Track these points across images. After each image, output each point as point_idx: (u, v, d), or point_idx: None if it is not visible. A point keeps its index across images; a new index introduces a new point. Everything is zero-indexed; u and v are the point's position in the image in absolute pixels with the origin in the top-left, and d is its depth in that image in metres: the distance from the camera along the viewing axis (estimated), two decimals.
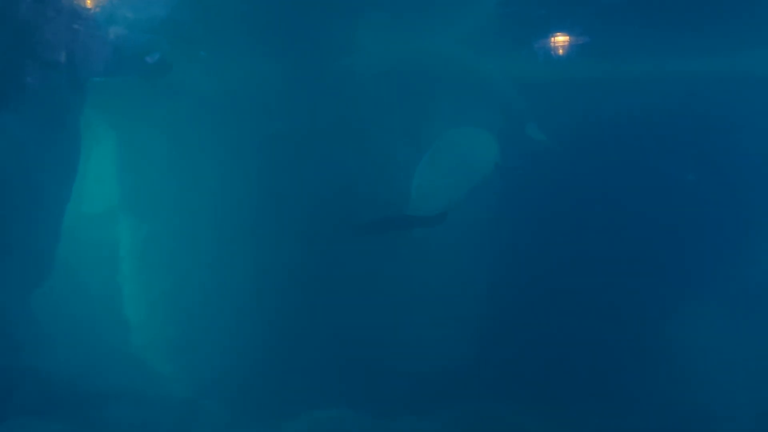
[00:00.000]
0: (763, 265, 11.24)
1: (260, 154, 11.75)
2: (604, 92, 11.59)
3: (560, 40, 11.81)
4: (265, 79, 11.75)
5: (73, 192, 10.60)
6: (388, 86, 11.64)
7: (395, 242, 11.32)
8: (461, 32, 11.56)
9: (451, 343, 11.10)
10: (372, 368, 11.15)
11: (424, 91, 11.70)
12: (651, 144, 11.54)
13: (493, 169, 11.29)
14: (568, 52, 11.92)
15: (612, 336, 11.16)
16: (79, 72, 9.87)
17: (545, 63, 12.10)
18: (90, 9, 9.79)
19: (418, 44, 11.75)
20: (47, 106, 9.83)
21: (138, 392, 10.96)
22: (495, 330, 11.29)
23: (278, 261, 11.81)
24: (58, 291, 10.99)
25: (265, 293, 11.79)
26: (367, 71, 11.67)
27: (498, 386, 11.01)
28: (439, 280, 11.36)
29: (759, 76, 11.64)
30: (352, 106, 11.64)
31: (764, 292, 11.21)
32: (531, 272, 11.45)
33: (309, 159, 11.76)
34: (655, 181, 11.55)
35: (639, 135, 11.52)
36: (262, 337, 11.56)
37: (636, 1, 10.62)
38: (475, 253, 11.50)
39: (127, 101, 12.05)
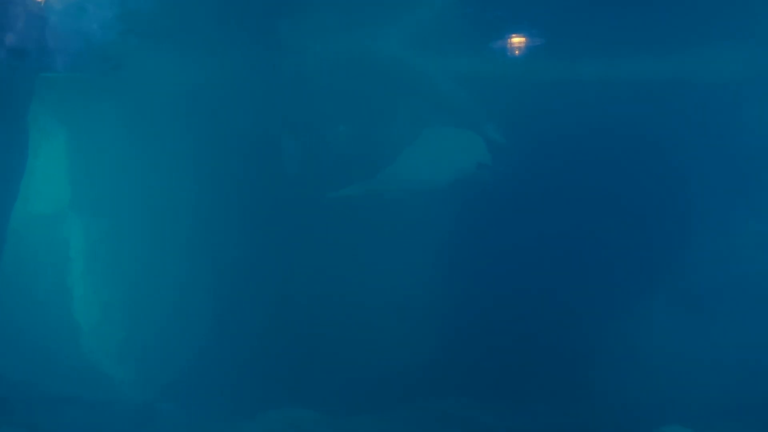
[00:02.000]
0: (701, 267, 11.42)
1: (216, 153, 11.68)
2: (557, 94, 11.66)
3: (510, 41, 11.86)
4: (214, 77, 11.66)
5: (20, 191, 10.38)
6: (332, 87, 11.67)
7: (354, 238, 11.34)
8: (408, 33, 11.59)
9: (411, 340, 11.06)
10: (330, 367, 11.08)
11: (369, 91, 11.73)
12: (607, 146, 11.62)
13: (476, 168, 11.37)
14: (519, 54, 11.97)
15: (576, 334, 11.22)
16: (25, 66, 9.69)
17: (494, 64, 12.15)
18: (38, 2, 9.63)
19: (364, 45, 11.75)
20: None
21: (90, 397, 10.78)
22: (458, 327, 11.27)
23: (234, 261, 11.73)
24: (4, 294, 10.75)
25: (219, 294, 11.69)
26: (309, 71, 11.68)
27: (460, 384, 10.98)
28: (401, 278, 11.35)
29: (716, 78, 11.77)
30: (300, 105, 11.66)
31: (698, 293, 11.39)
32: (493, 270, 11.47)
33: (264, 157, 11.74)
34: (610, 182, 11.65)
35: (595, 137, 11.59)
36: (217, 338, 11.44)
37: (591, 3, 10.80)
38: (436, 251, 11.49)
39: (78, 97, 11.87)
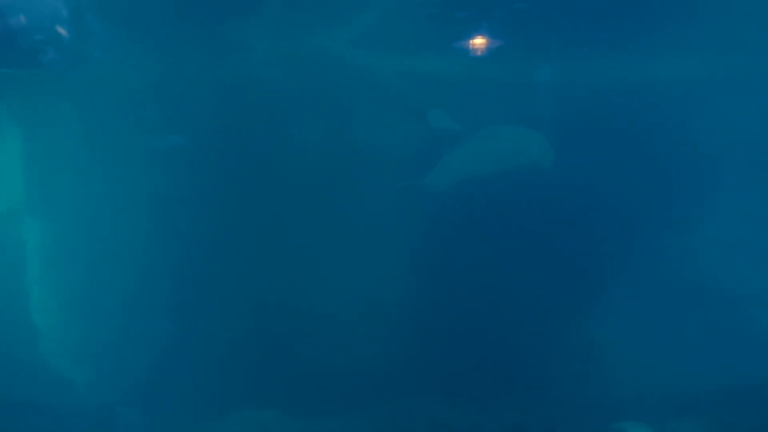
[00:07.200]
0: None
1: (177, 152, 11.47)
2: (514, 96, 11.71)
3: (466, 41, 11.89)
4: (162, 78, 11.45)
5: None
6: (278, 86, 11.60)
7: (318, 237, 11.28)
8: (355, 32, 11.55)
9: (380, 341, 11.07)
10: (298, 367, 11.00)
11: (315, 92, 11.68)
12: (565, 147, 11.73)
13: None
14: (470, 53, 11.99)
15: (539, 333, 11.28)
16: None
17: (445, 63, 12.14)
18: None
19: (310, 44, 11.67)
20: None
21: (50, 401, 10.63)
22: (426, 328, 11.25)
23: (195, 260, 11.52)
24: None
25: (181, 293, 11.46)
26: (255, 71, 11.58)
27: (430, 384, 10.97)
28: (367, 277, 11.34)
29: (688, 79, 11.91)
30: (244, 106, 11.58)
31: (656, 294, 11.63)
32: (461, 273, 11.49)
33: (225, 156, 11.57)
34: (566, 185, 11.76)
35: (564, 139, 11.69)
36: (181, 339, 11.25)
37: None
38: (402, 250, 11.50)
39: (33, 95, 11.57)
